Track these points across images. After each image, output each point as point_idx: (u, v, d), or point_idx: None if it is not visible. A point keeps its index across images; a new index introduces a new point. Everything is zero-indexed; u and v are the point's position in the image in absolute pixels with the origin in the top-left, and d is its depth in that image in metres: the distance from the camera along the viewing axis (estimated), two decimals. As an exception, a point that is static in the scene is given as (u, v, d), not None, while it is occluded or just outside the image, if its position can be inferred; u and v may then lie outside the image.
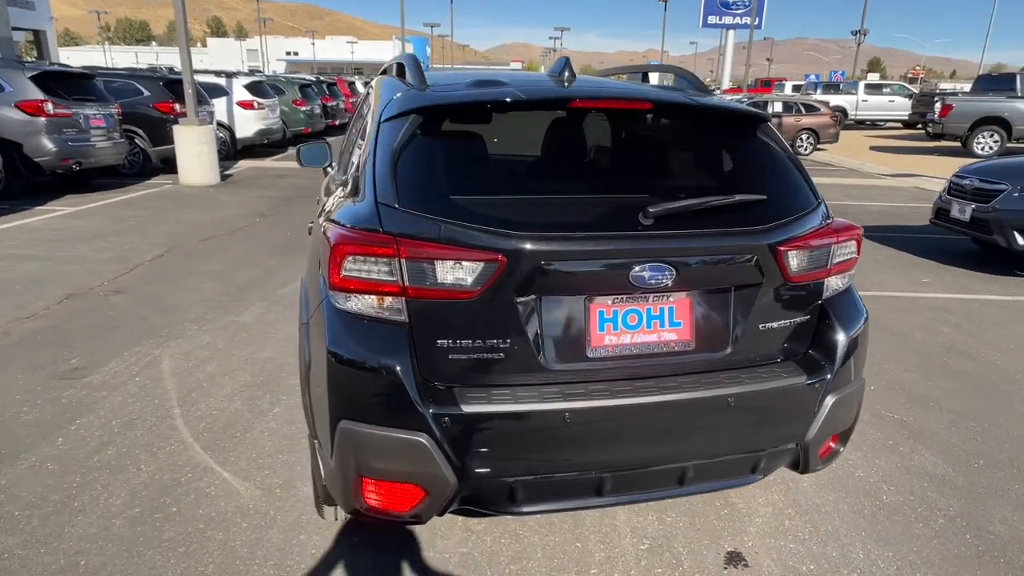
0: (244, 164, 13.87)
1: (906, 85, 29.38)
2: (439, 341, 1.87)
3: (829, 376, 2.11)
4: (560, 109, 2.25)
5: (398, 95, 2.24)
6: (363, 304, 1.88)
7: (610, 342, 1.98)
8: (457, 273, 1.83)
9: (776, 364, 2.15)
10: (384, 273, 1.84)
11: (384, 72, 3.12)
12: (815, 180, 2.31)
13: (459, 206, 1.88)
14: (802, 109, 18.30)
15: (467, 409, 1.83)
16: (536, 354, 1.92)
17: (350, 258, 1.85)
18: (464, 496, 1.95)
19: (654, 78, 3.41)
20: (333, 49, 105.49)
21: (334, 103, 20.62)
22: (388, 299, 1.86)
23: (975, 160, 9.71)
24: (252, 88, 15.13)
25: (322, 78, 22.79)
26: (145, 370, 3.97)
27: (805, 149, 17.83)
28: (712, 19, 46.83)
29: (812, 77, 58.64)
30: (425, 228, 1.84)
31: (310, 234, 2.85)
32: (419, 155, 2.01)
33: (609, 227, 1.93)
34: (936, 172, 14.37)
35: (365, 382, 1.85)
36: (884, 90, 28.48)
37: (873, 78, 64.74)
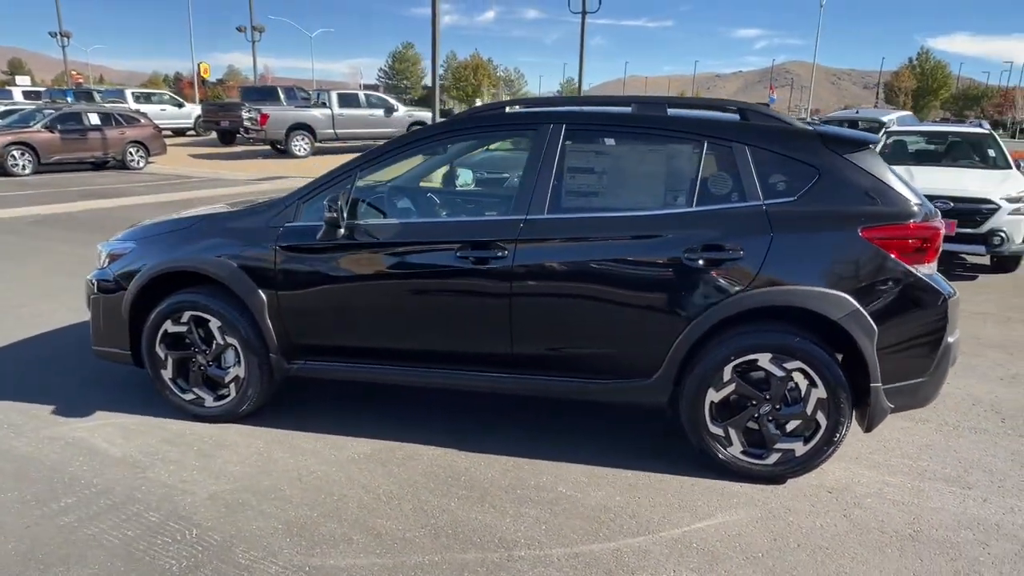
0: None
1: (175, 96, 29.17)
2: None
3: None
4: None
5: (835, 130, 3.42)
6: (925, 270, 3.03)
7: None
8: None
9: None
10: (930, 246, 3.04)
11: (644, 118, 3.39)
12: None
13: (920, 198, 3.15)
14: (123, 121, 16.98)
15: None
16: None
17: (939, 240, 3.03)
18: None
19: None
20: None
21: None
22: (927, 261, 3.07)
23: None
24: None
25: None
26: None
27: (137, 163, 16.83)
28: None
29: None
30: (929, 214, 3.05)
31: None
32: (894, 171, 3.23)
33: None
34: (292, 172, 15.75)
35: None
36: (153, 98, 27.30)
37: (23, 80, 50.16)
